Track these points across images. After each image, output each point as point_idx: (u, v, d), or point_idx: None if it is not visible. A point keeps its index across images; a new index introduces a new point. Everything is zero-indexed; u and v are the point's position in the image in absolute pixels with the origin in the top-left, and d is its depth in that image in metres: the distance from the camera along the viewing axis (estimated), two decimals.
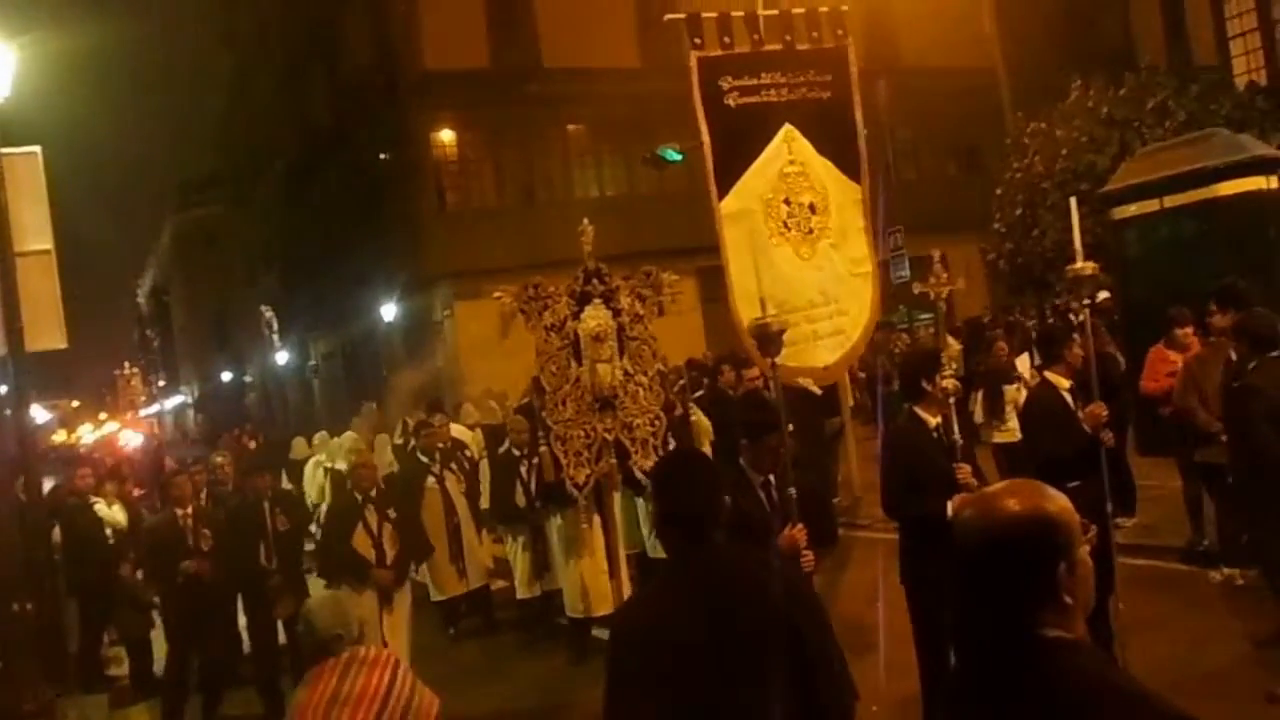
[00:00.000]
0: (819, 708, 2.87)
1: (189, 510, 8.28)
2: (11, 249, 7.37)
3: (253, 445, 20.70)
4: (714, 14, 7.12)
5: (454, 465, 9.70)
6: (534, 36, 24.44)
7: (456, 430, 11.18)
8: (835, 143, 7.82)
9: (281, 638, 8.25)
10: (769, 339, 4.87)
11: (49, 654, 8.16)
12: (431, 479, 9.52)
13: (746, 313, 7.01)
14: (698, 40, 7.15)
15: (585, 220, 6.15)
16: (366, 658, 3.59)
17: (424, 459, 9.69)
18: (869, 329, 8.65)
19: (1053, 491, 2.01)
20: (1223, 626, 6.62)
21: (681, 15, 7.10)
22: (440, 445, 9.84)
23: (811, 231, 7.33)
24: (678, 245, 18.47)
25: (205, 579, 8.02)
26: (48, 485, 10.17)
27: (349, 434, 14.08)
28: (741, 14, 7.18)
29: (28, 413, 8.42)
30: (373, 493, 7.63)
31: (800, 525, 4.72)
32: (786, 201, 7.33)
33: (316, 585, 9.26)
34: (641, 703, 2.85)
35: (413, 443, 10.61)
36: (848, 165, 7.91)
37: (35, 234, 7.77)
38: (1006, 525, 1.95)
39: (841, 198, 7.90)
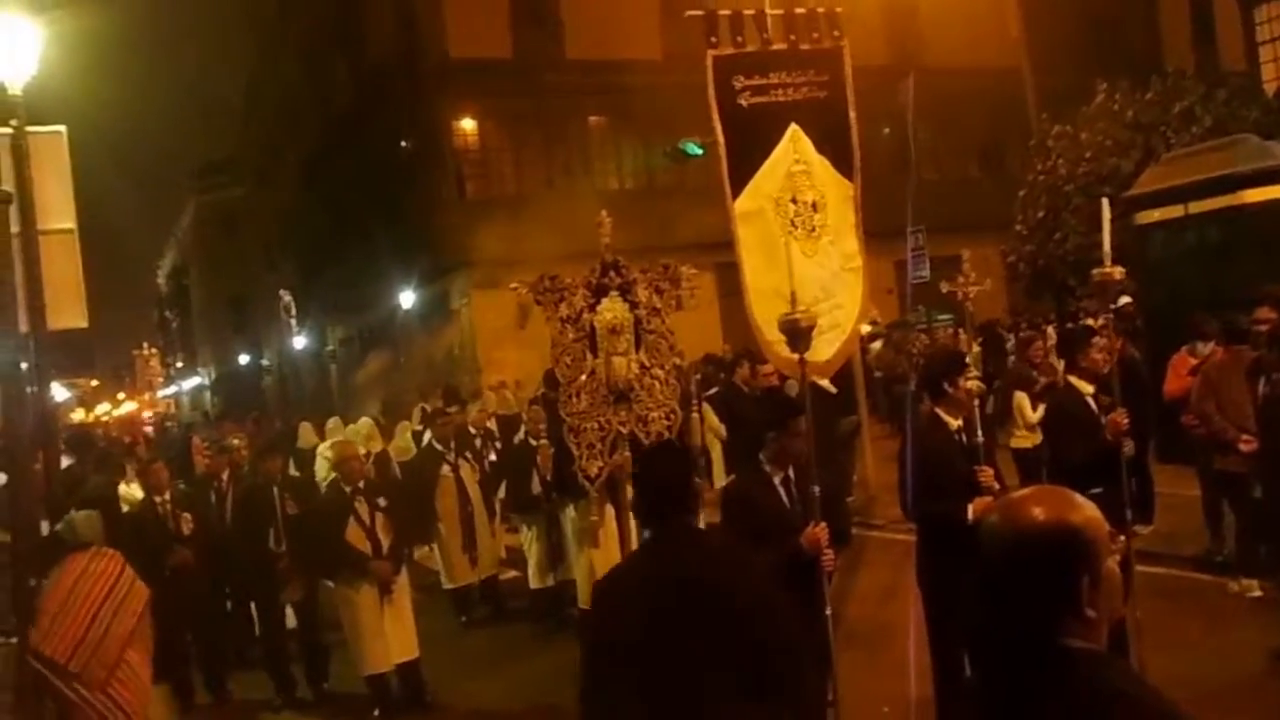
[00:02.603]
0: (785, 693, 2.97)
1: (166, 496, 8.32)
2: (35, 227, 7.39)
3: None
4: (728, 12, 7.14)
5: (469, 454, 9.72)
6: (557, 27, 24.40)
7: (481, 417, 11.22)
8: (831, 140, 7.87)
9: (290, 621, 8.27)
10: (799, 334, 4.85)
11: None
12: (446, 467, 9.54)
13: (761, 311, 7.03)
14: (713, 39, 7.17)
15: (603, 212, 6.12)
16: (106, 552, 5.11)
17: (439, 447, 9.72)
18: (860, 322, 8.70)
19: (1081, 501, 1.96)
20: (1240, 638, 6.56)
21: (701, 12, 7.12)
22: (477, 429, 9.91)
23: (814, 230, 7.39)
24: (697, 239, 18.42)
25: (190, 566, 8.12)
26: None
27: (365, 420, 14.12)
28: (751, 13, 7.19)
29: (48, 391, 8.46)
30: (361, 484, 7.50)
31: (822, 524, 4.70)
32: (794, 200, 7.38)
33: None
34: (614, 666, 3.00)
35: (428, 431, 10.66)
36: (842, 162, 7.97)
37: (58, 213, 7.78)
38: (1030, 534, 1.92)
39: (837, 194, 7.96)
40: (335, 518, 7.34)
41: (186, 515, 8.27)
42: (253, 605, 8.88)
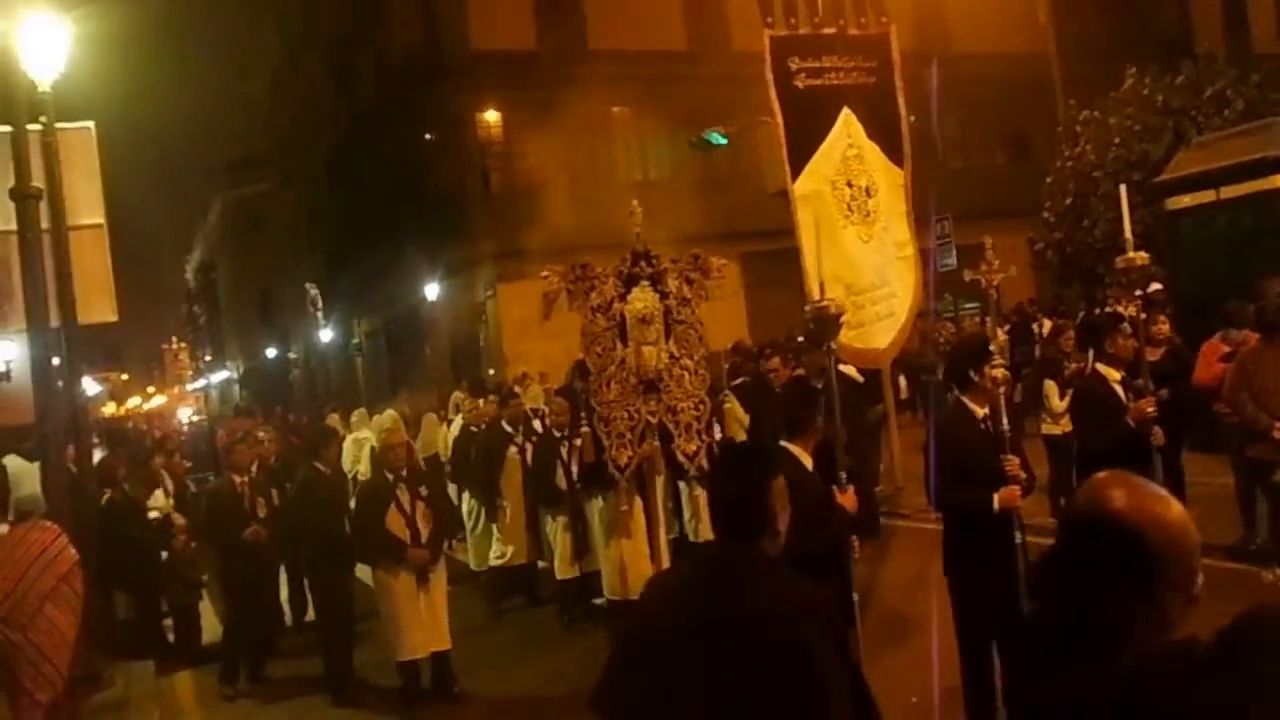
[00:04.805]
0: None
1: (245, 478, 8.52)
2: (65, 223, 7.46)
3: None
4: None
5: (534, 438, 9.81)
6: (580, 18, 24.38)
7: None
8: (881, 127, 7.83)
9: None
10: (827, 322, 4.84)
11: (97, 621, 8.31)
12: (513, 449, 9.63)
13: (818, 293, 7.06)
14: (769, 19, 7.15)
15: (635, 202, 6.12)
16: (43, 524, 5.72)
17: (508, 429, 9.80)
18: (914, 311, 8.62)
19: (1169, 512, 1.86)
20: None
21: None
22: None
23: (869, 215, 7.36)
24: (721, 229, 18.40)
25: (263, 544, 8.35)
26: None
27: (389, 412, 14.19)
28: None
29: (79, 385, 8.55)
30: (404, 472, 7.50)
31: (850, 489, 4.73)
32: (849, 184, 7.37)
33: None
34: (628, 675, 2.88)
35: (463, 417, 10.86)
36: (892, 150, 7.91)
37: (88, 208, 7.87)
38: (1092, 513, 1.88)
39: (887, 181, 7.91)
40: (377, 503, 7.38)
41: (260, 499, 8.55)
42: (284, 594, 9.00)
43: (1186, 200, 11.44)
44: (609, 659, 2.97)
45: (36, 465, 8.36)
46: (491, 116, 24.67)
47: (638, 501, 7.35)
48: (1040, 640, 1.93)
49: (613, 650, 2.98)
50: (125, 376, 62.00)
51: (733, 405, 10.45)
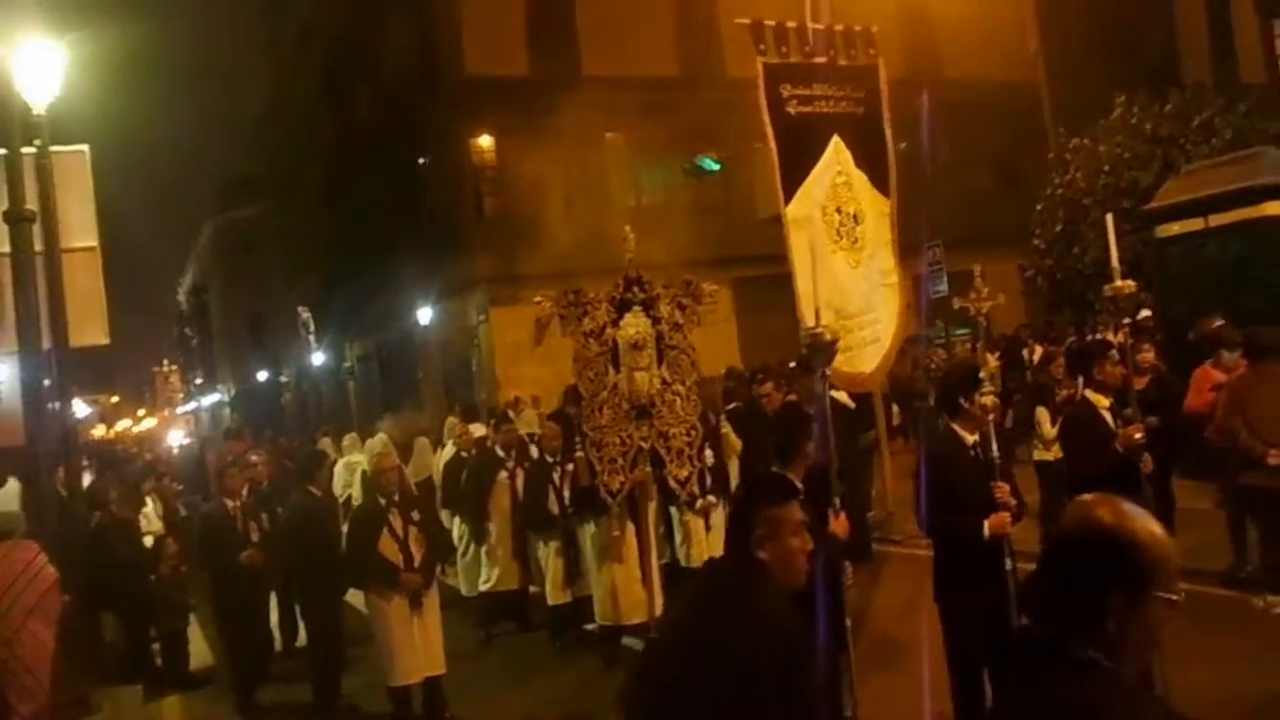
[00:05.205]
0: None
1: (237, 502, 8.51)
2: (58, 245, 7.47)
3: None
4: (773, 23, 7.23)
5: (526, 464, 9.79)
6: (574, 44, 24.49)
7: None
8: (869, 156, 7.91)
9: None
10: (821, 348, 4.86)
11: (85, 645, 8.26)
12: (503, 473, 9.62)
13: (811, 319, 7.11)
14: (762, 47, 7.24)
15: (627, 228, 6.15)
16: (23, 543, 6.04)
17: (500, 453, 9.80)
18: (898, 338, 8.66)
19: (1151, 524, 1.99)
20: (1265, 654, 6.48)
21: (748, 21, 7.20)
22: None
23: (856, 241, 7.45)
24: (714, 255, 18.47)
25: (257, 568, 8.35)
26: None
27: (380, 436, 14.16)
28: (794, 25, 7.28)
29: (70, 407, 8.53)
30: (396, 496, 7.43)
31: (843, 515, 4.75)
32: (838, 210, 7.44)
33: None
34: (633, 687, 3.11)
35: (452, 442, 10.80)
36: (879, 179, 7.99)
37: (81, 231, 7.88)
38: (1084, 530, 1.99)
39: (874, 209, 7.97)
40: (370, 527, 7.32)
41: (253, 523, 8.58)
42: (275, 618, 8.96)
43: (1175, 228, 11.51)
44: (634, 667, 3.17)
45: (2, 491, 8.41)
46: (485, 141, 24.74)
47: (630, 526, 7.36)
48: (1029, 657, 1.99)
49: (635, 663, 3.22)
50: (115, 399, 61.80)
51: (727, 431, 10.47)
